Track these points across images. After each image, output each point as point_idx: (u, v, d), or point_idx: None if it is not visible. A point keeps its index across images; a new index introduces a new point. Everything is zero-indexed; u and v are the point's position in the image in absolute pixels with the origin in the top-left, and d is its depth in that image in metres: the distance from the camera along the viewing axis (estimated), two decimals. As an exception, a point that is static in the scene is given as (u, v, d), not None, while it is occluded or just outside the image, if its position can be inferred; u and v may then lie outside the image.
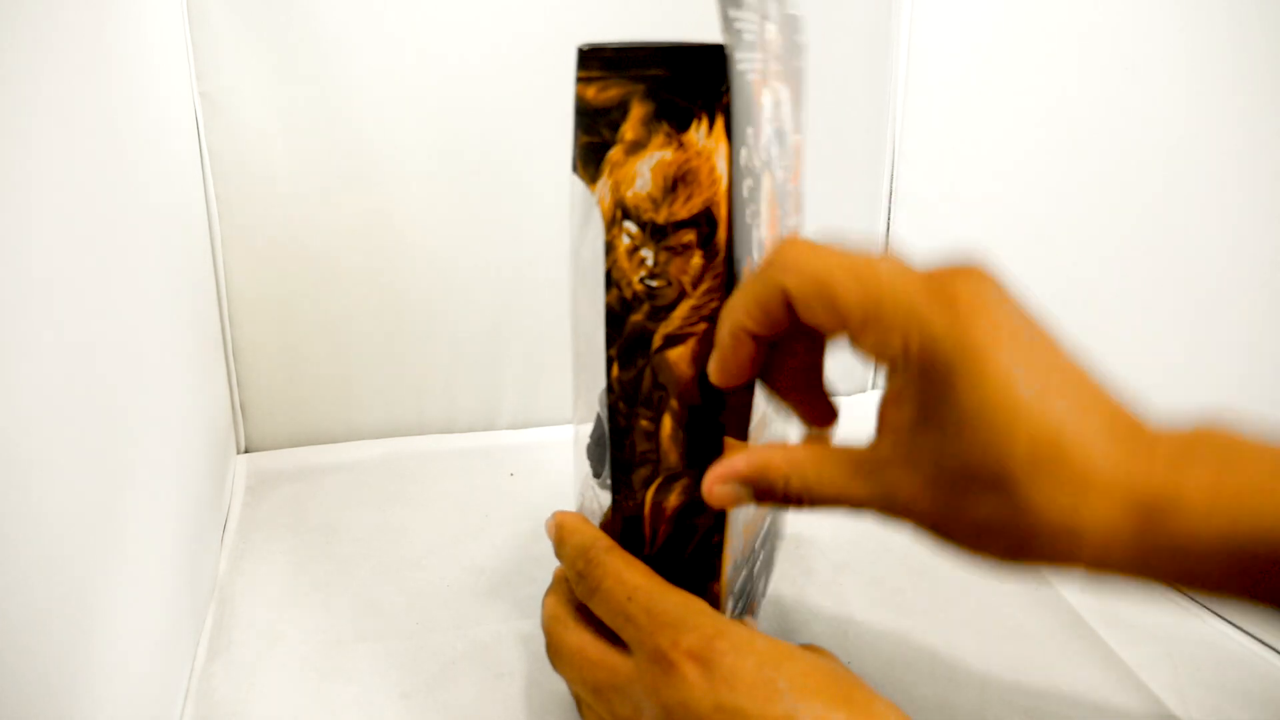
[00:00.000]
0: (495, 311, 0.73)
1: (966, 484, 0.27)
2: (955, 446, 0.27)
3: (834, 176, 0.75)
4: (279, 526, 0.59)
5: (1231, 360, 0.50)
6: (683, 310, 0.33)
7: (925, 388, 0.27)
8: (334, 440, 0.72)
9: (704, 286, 0.32)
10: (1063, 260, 0.61)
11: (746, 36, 0.31)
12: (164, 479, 0.44)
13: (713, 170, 0.31)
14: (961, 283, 0.27)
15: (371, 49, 0.65)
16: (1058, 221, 0.61)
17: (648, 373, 0.34)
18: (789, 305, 0.29)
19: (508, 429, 0.75)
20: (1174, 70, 0.51)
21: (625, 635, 0.33)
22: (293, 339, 0.70)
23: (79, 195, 0.35)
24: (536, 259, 0.71)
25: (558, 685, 0.45)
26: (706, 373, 0.33)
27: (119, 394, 0.38)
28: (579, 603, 0.36)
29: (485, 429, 0.75)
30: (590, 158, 0.33)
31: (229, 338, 0.68)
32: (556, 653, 0.37)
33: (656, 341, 0.33)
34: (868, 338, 0.28)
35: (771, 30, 0.35)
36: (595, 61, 0.31)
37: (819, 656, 0.32)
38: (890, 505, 0.29)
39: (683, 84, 0.30)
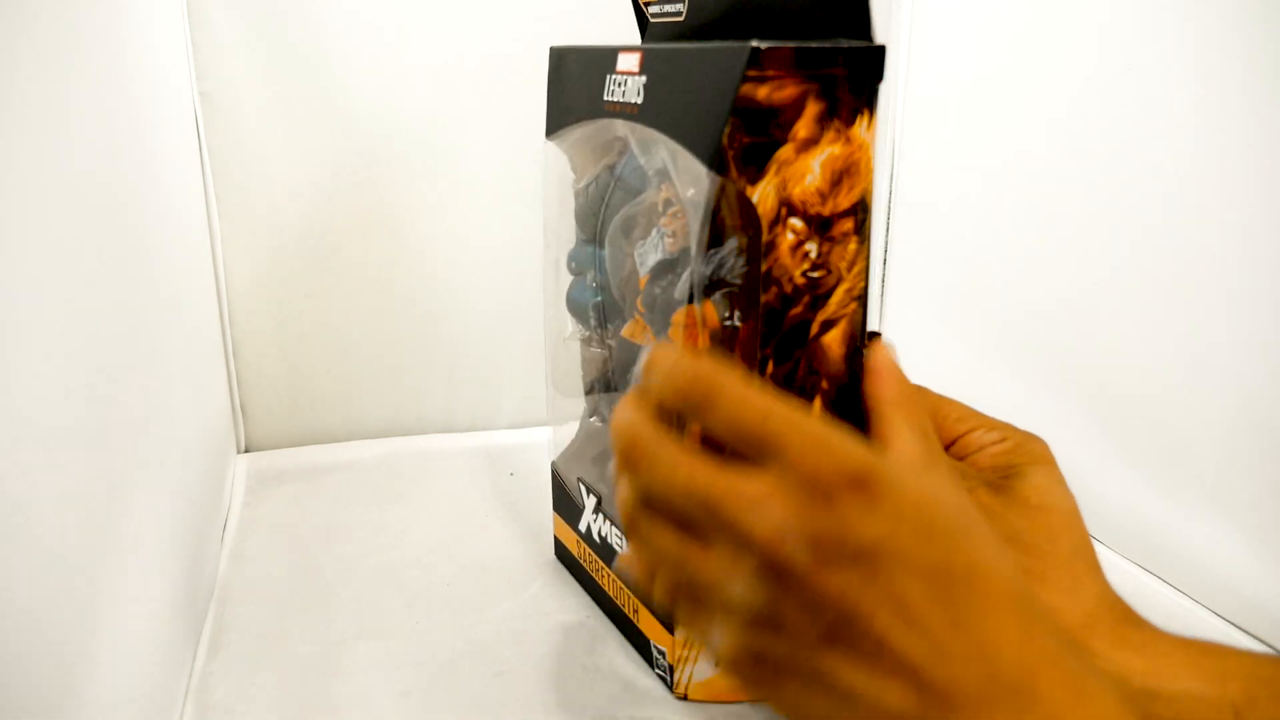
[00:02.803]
0: (495, 311, 0.73)
1: None
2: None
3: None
4: (279, 526, 0.59)
5: (1233, 361, 0.50)
6: (839, 295, 0.34)
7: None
8: (334, 440, 0.72)
9: (857, 268, 0.34)
10: (1062, 261, 0.60)
11: None
12: (164, 479, 0.44)
13: (869, 161, 0.33)
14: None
15: (371, 49, 0.65)
16: (1058, 222, 0.61)
17: (803, 363, 0.34)
18: None
19: (508, 429, 0.75)
20: (1175, 70, 0.51)
21: (761, 457, 0.27)
22: (293, 339, 0.70)
23: (79, 195, 0.35)
24: (537, 259, 0.71)
25: (558, 684, 0.45)
26: (855, 349, 0.34)
27: (119, 394, 0.38)
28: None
29: (485, 429, 0.75)
30: (753, 158, 0.33)
31: (229, 338, 0.68)
32: (647, 465, 0.29)
33: (814, 329, 0.34)
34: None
35: None
36: (772, 61, 0.32)
37: (962, 493, 0.29)
38: None
39: (854, 82, 0.32)
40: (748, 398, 0.28)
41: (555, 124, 0.48)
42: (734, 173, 0.33)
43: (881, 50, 0.32)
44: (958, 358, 0.69)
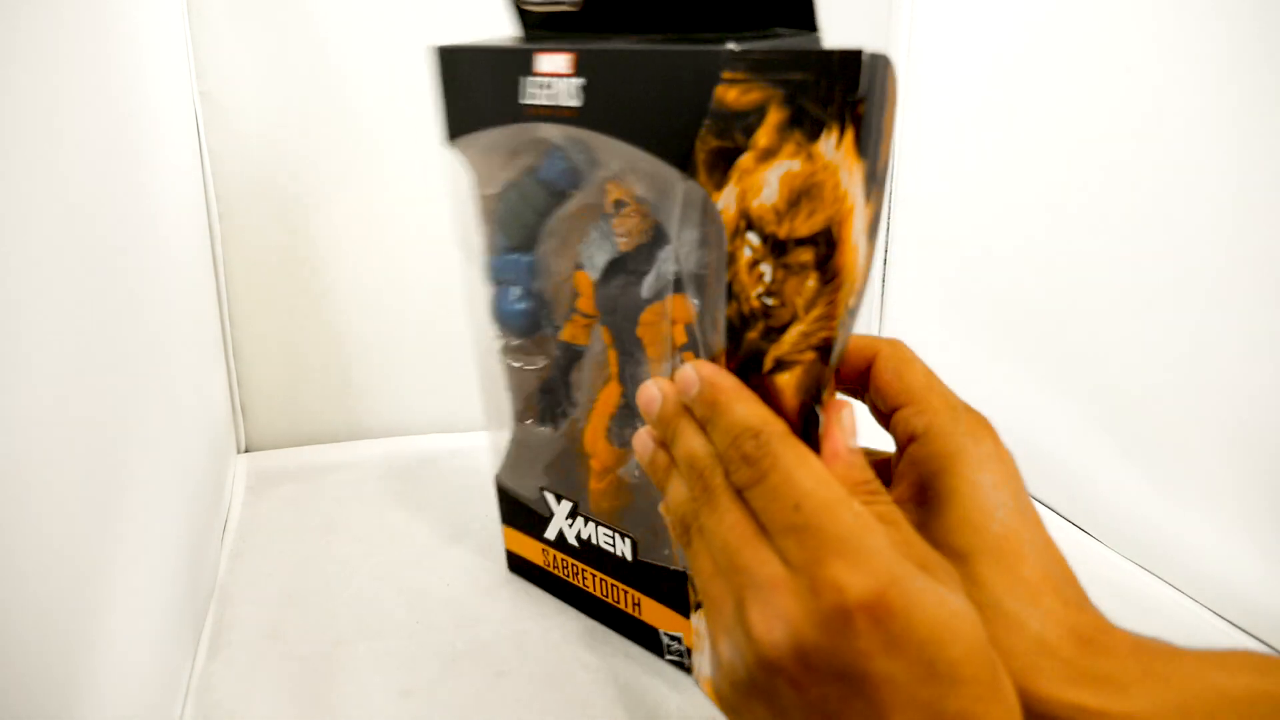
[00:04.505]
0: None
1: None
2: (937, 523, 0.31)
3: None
4: (279, 526, 0.59)
5: (1234, 360, 0.50)
6: (793, 335, 0.31)
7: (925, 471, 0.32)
8: (334, 440, 0.72)
9: (815, 313, 0.30)
10: (1063, 260, 0.60)
11: None
12: (164, 479, 0.44)
13: (837, 186, 0.29)
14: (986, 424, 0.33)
15: (371, 48, 0.65)
16: (1058, 222, 0.61)
17: (759, 393, 0.31)
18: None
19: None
20: (1176, 69, 0.51)
21: (783, 547, 0.28)
22: (293, 339, 0.70)
23: (79, 195, 0.35)
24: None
25: (558, 684, 0.45)
26: (811, 409, 0.32)
27: (119, 394, 0.38)
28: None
29: (485, 429, 0.75)
30: (718, 163, 0.31)
31: (229, 338, 0.68)
32: (700, 504, 0.31)
33: (768, 364, 0.32)
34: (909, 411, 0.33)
35: None
36: (741, 63, 0.30)
37: (983, 635, 0.27)
38: None
39: (821, 92, 0.28)
40: (792, 477, 0.28)
41: (457, 129, 0.44)
42: (701, 177, 0.32)
43: (856, 56, 0.28)
44: (957, 357, 0.69)
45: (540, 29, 0.42)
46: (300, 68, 0.64)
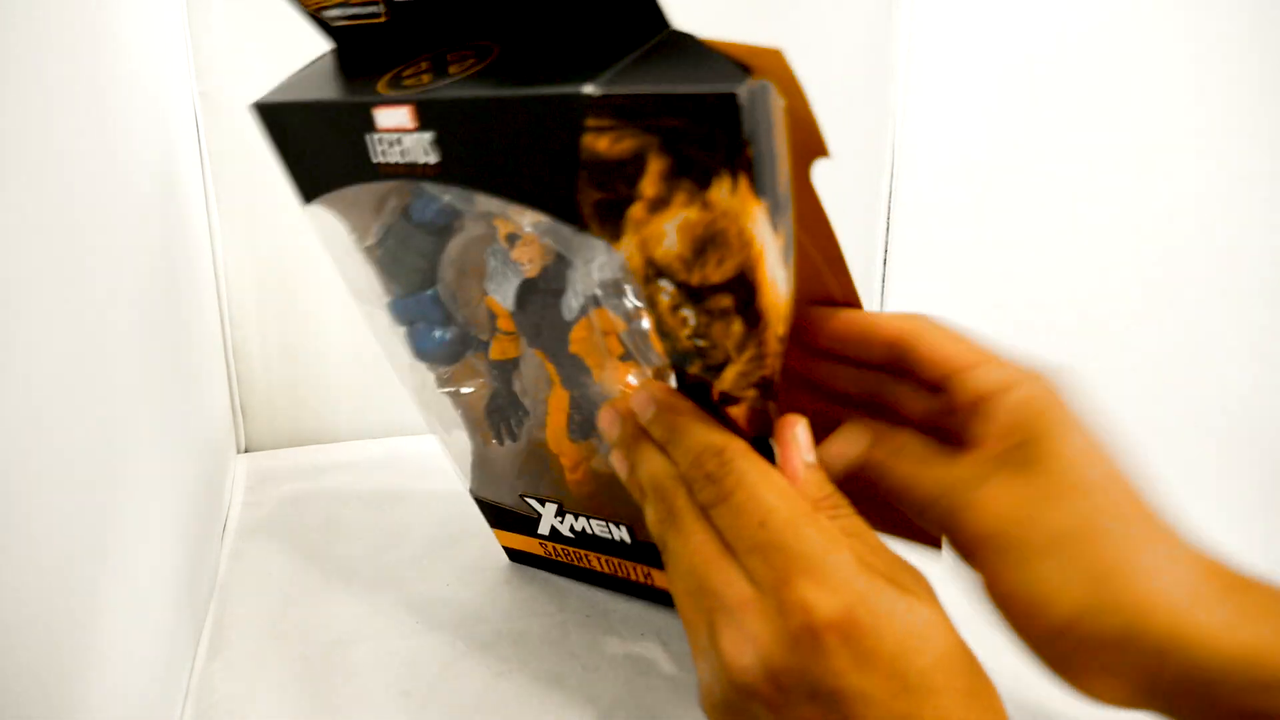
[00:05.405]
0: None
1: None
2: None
3: (833, 181, 0.75)
4: (279, 526, 0.59)
5: (1236, 361, 0.50)
6: (731, 375, 0.30)
7: (1020, 436, 0.31)
8: (334, 440, 0.72)
9: (748, 354, 0.29)
10: (1063, 260, 0.61)
11: None
12: (164, 479, 0.44)
13: (742, 232, 0.26)
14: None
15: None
16: (1058, 222, 0.61)
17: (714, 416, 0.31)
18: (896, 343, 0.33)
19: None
20: (1178, 71, 0.51)
21: (749, 566, 0.28)
22: (293, 339, 0.70)
23: (78, 194, 0.35)
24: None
25: (559, 685, 0.45)
26: (762, 438, 0.31)
27: (118, 394, 0.38)
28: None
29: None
30: (607, 215, 0.29)
31: (229, 338, 0.68)
32: (665, 526, 0.31)
33: (715, 394, 0.31)
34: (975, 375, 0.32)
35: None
36: (606, 110, 0.27)
37: (955, 639, 0.28)
38: (956, 508, 0.31)
39: (697, 137, 0.25)
40: (756, 493, 0.28)
41: (311, 190, 0.41)
42: (594, 229, 0.29)
43: (731, 100, 0.24)
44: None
45: (348, 46, 0.39)
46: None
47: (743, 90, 0.24)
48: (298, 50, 0.65)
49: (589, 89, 0.27)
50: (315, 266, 0.68)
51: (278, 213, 0.67)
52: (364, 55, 0.37)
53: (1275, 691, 0.27)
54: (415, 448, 0.71)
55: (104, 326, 0.36)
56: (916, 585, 0.28)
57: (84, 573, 0.31)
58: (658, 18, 0.28)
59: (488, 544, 0.57)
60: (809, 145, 0.30)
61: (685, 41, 0.28)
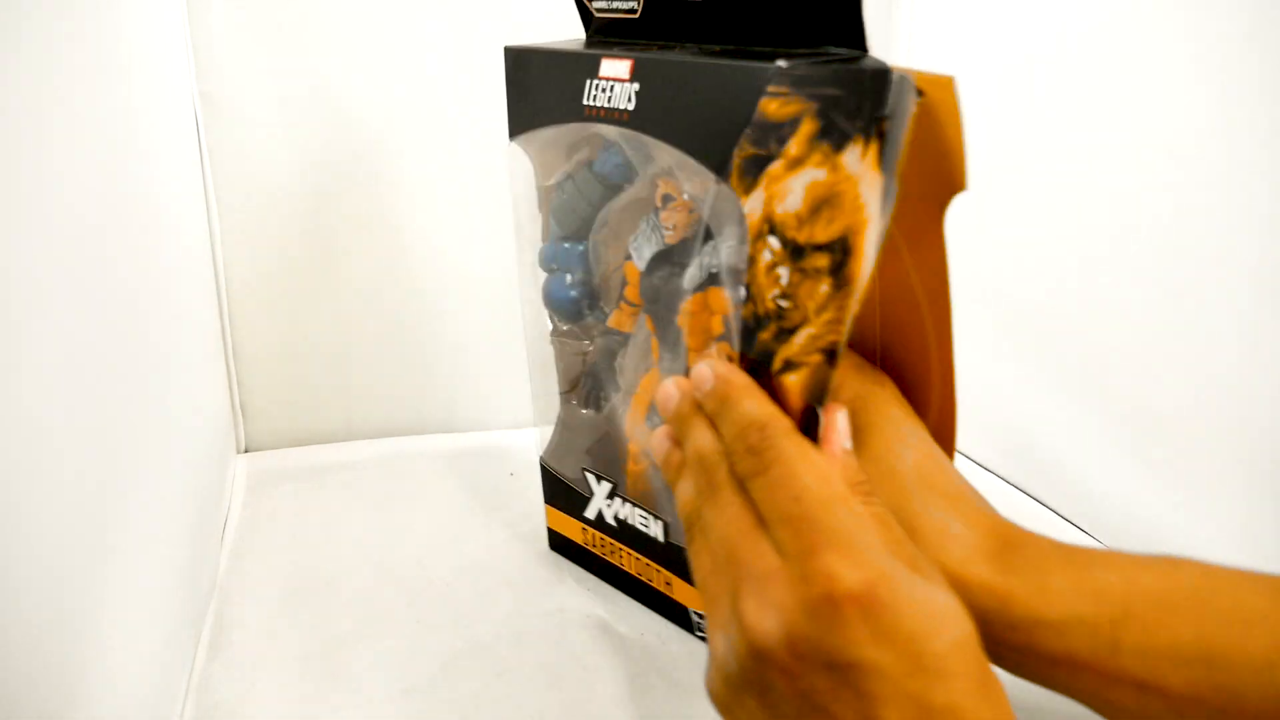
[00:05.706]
0: (495, 311, 0.72)
1: None
2: None
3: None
4: (279, 526, 0.59)
5: (1238, 361, 0.50)
6: (803, 338, 0.32)
7: None
8: (334, 440, 0.72)
9: (825, 316, 0.31)
10: (1064, 260, 0.61)
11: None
12: (164, 479, 0.45)
13: (857, 198, 0.30)
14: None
15: (371, 49, 0.65)
16: (1059, 222, 0.61)
17: (767, 392, 0.33)
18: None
19: (507, 429, 0.75)
20: (1181, 70, 0.51)
21: (779, 537, 0.29)
22: (293, 339, 0.70)
23: (79, 195, 0.35)
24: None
25: (559, 684, 0.45)
26: (813, 411, 0.32)
27: (119, 394, 0.38)
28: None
29: (485, 429, 0.75)
30: (751, 169, 0.33)
31: (229, 338, 0.68)
32: (704, 498, 0.32)
33: (777, 364, 0.33)
34: None
35: None
36: (786, 78, 0.32)
37: (971, 630, 0.28)
38: None
39: (849, 106, 0.30)
40: (794, 470, 0.29)
41: (521, 126, 0.47)
42: (734, 181, 0.34)
43: (883, 75, 0.29)
44: (958, 359, 0.69)
45: (601, 34, 0.45)
46: (300, 68, 0.64)
47: (895, 72, 0.29)
48: (298, 50, 0.65)
49: (781, 63, 0.32)
50: (315, 266, 0.69)
51: (278, 213, 0.67)
52: (611, 38, 0.45)
53: (1019, 630, 0.33)
54: (415, 448, 0.71)
55: (104, 327, 0.36)
56: (935, 576, 0.29)
57: (84, 573, 0.31)
58: (860, 41, 0.33)
59: (488, 544, 0.57)
60: (952, 177, 0.33)
61: (869, 58, 0.33)
